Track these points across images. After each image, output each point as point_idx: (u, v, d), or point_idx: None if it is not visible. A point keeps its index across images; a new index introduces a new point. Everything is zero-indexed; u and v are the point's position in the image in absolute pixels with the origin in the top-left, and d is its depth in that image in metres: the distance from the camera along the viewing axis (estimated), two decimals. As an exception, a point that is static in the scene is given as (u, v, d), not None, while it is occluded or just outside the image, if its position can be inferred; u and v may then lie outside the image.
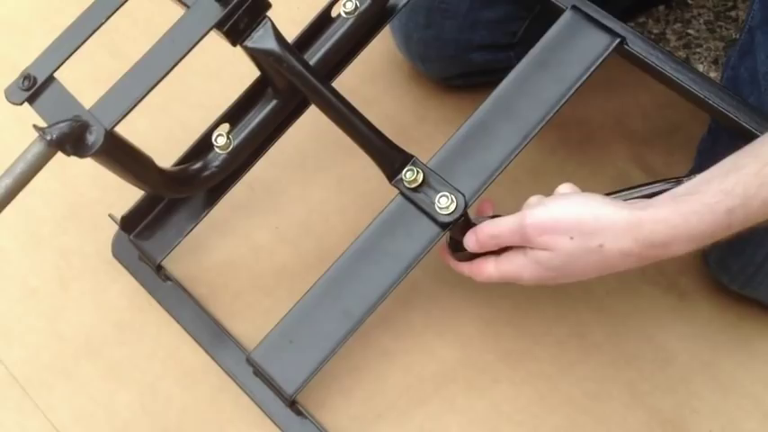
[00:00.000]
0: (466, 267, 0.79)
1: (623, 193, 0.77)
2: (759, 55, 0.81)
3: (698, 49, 1.14)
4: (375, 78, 1.08)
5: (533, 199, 0.76)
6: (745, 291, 0.87)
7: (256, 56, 0.78)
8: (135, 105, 0.72)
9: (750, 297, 0.88)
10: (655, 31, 1.16)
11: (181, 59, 0.73)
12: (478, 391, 0.87)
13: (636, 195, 0.75)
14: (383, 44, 1.07)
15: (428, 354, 0.89)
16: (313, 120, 0.85)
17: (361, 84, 1.06)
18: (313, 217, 0.97)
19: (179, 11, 0.75)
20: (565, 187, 0.75)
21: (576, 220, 0.69)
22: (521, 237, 0.72)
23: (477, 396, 0.86)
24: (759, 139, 0.67)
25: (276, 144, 0.96)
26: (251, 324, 0.89)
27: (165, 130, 1.03)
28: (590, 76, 0.81)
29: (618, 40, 0.81)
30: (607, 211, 0.68)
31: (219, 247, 0.95)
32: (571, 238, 0.69)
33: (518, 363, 0.88)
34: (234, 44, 0.75)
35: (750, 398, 0.86)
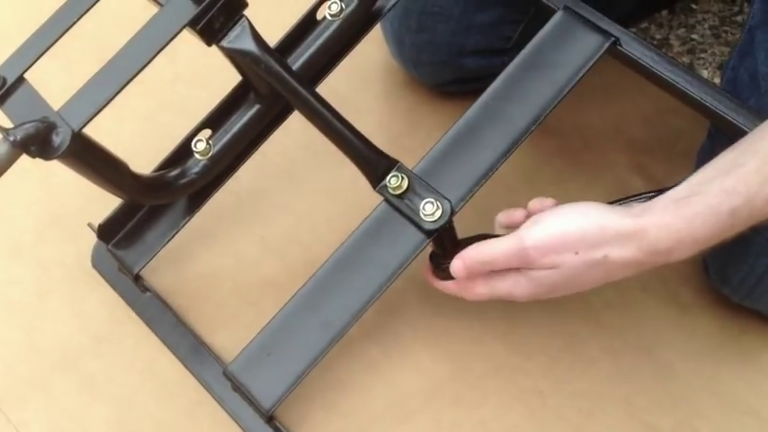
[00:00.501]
0: (453, 286, 0.76)
1: (621, 202, 0.73)
2: (759, 55, 0.78)
3: (702, 55, 1.11)
4: (368, 85, 1.06)
5: (501, 217, 0.74)
6: (746, 302, 0.83)
7: (234, 57, 0.75)
8: (104, 106, 0.70)
9: (752, 309, 0.84)
10: (657, 36, 1.13)
11: (153, 58, 0.71)
12: (466, 408, 0.83)
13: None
14: (377, 51, 1.05)
15: (416, 368, 0.85)
16: (302, 127, 0.82)
17: (354, 91, 1.03)
18: (300, 226, 0.95)
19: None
20: (537, 202, 0.72)
21: (580, 234, 0.65)
22: (520, 260, 0.68)
23: (465, 413, 0.83)
24: (755, 133, 0.64)
25: (263, 151, 0.93)
26: (233, 336, 0.85)
27: (152, 139, 1.01)
28: (581, 78, 0.78)
29: (611, 41, 0.78)
30: (611, 220, 0.64)
31: (203, 257, 0.92)
32: (576, 252, 0.65)
33: (509, 378, 0.85)
34: (209, 44, 0.73)
35: (754, 415, 0.82)
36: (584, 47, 0.78)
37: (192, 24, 0.70)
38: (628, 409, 0.82)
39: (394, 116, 1.04)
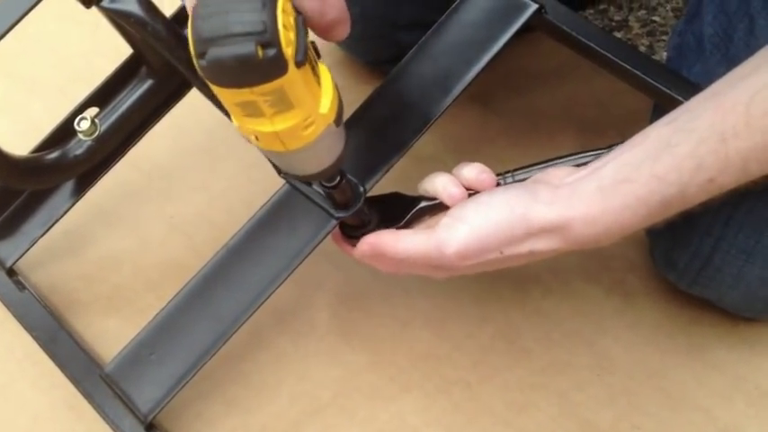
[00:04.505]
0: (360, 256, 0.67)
1: (549, 163, 0.65)
2: (706, 17, 0.72)
3: (663, 37, 1.04)
4: (302, 64, 0.98)
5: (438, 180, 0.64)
6: (694, 289, 0.75)
7: (117, 20, 0.67)
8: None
9: (701, 297, 0.76)
10: (617, 18, 1.06)
11: (22, 17, 0.64)
12: (384, 401, 0.75)
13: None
14: (312, 28, 0.97)
15: (330, 358, 0.77)
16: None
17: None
18: (214, 206, 0.87)
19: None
20: (443, 179, 0.64)
21: (505, 234, 0.59)
22: (439, 264, 0.61)
23: (382, 406, 0.74)
24: (694, 107, 0.56)
25: (180, 126, 0.86)
26: (127, 323, 0.77)
27: (65, 113, 0.93)
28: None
29: (536, 8, 0.71)
30: (536, 213, 0.58)
31: (103, 237, 0.84)
32: (501, 252, 0.59)
33: (433, 370, 0.76)
34: (88, 5, 0.65)
35: (703, 412, 0.73)
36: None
37: (68, -18, 0.63)
38: (563, 403, 0.74)
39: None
